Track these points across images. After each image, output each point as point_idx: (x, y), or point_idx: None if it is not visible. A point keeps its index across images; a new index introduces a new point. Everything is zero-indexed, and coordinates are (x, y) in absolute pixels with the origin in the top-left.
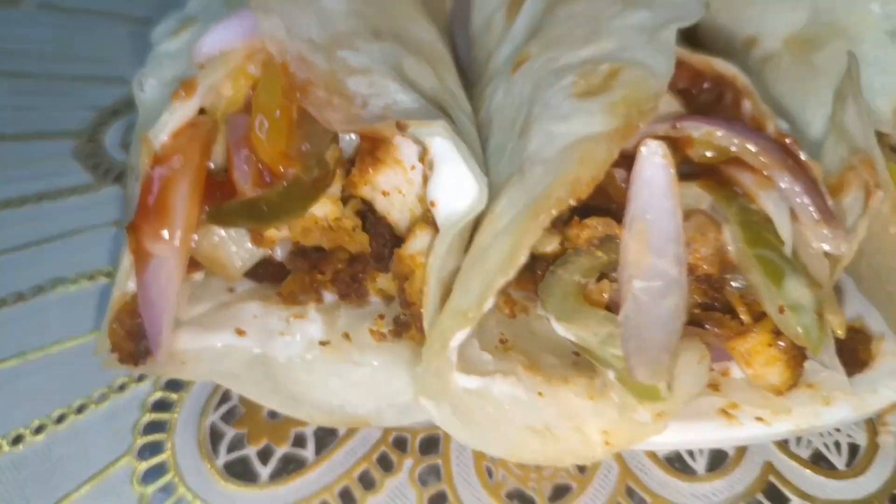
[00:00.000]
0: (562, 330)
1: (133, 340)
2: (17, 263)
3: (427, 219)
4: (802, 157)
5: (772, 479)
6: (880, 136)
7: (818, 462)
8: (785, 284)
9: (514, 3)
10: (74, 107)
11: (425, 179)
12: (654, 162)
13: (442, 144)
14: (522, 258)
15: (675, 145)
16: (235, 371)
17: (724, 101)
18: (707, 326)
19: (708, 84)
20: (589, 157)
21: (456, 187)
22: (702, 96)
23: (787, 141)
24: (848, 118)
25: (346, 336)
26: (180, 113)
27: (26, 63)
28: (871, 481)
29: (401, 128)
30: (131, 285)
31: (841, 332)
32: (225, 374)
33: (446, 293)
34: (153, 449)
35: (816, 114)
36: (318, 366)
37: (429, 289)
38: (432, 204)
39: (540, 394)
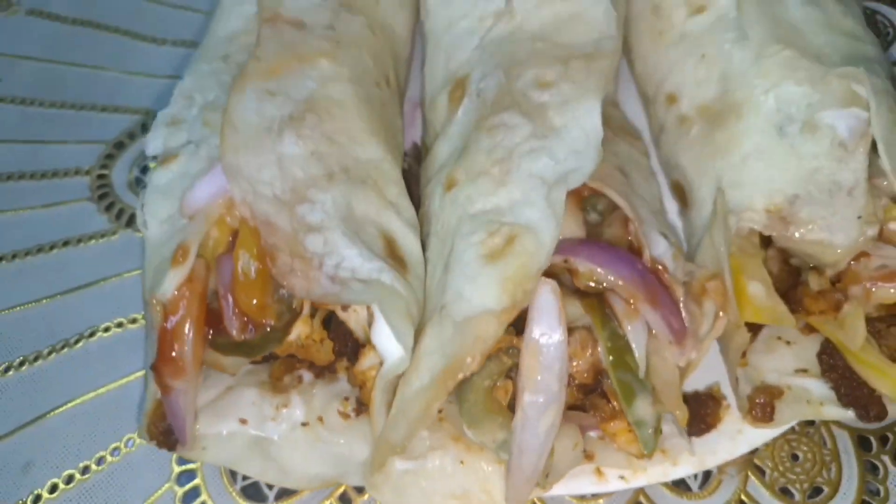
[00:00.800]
0: (470, 435)
1: (166, 435)
2: (48, 313)
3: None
4: (669, 281)
5: (641, 499)
6: (753, 233)
7: (679, 484)
8: (634, 404)
9: (454, 94)
10: (80, 138)
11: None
12: (546, 297)
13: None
14: (434, 415)
15: (569, 271)
16: (240, 453)
17: (619, 209)
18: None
19: None
20: (482, 335)
21: (387, 342)
22: (603, 201)
23: (658, 269)
24: (716, 236)
25: (320, 419)
26: (180, 273)
27: (35, 89)
28: (715, 501)
29: (343, 309)
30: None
31: (683, 424)
32: (232, 459)
33: (393, 397)
34: (188, 476)
35: (710, 194)
36: (301, 444)
37: (374, 413)
38: (373, 344)
39: (462, 462)
